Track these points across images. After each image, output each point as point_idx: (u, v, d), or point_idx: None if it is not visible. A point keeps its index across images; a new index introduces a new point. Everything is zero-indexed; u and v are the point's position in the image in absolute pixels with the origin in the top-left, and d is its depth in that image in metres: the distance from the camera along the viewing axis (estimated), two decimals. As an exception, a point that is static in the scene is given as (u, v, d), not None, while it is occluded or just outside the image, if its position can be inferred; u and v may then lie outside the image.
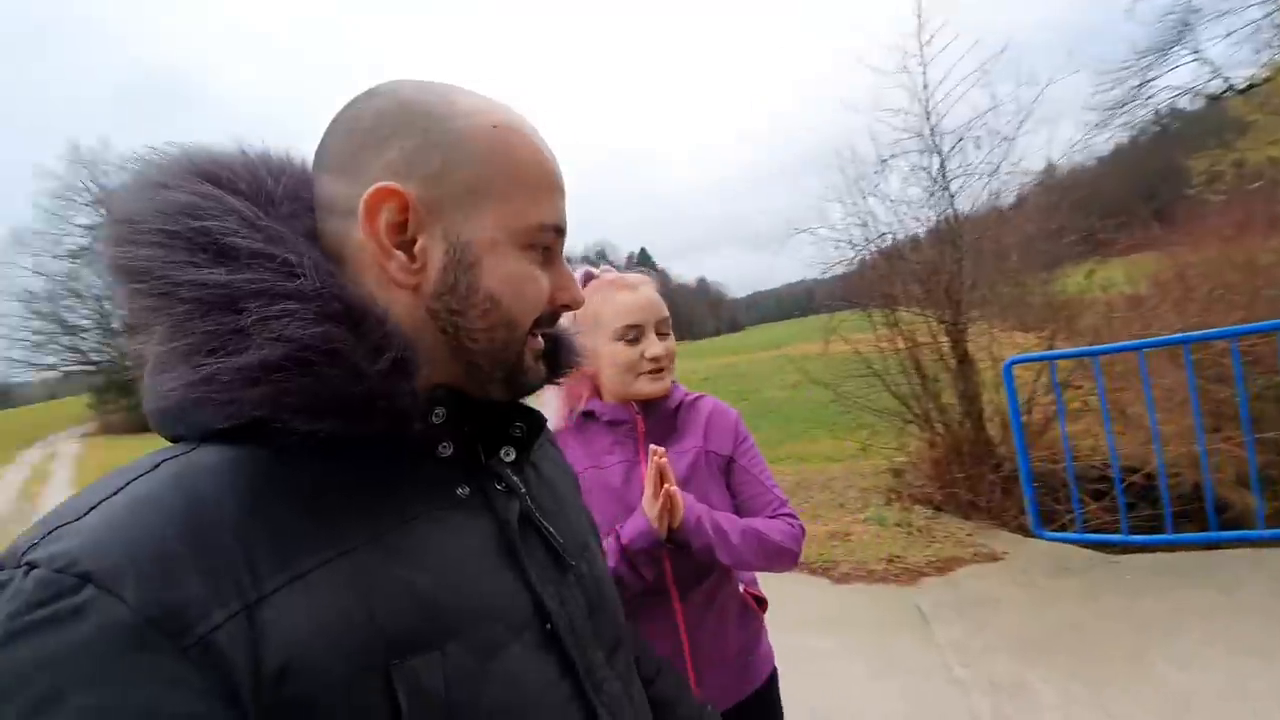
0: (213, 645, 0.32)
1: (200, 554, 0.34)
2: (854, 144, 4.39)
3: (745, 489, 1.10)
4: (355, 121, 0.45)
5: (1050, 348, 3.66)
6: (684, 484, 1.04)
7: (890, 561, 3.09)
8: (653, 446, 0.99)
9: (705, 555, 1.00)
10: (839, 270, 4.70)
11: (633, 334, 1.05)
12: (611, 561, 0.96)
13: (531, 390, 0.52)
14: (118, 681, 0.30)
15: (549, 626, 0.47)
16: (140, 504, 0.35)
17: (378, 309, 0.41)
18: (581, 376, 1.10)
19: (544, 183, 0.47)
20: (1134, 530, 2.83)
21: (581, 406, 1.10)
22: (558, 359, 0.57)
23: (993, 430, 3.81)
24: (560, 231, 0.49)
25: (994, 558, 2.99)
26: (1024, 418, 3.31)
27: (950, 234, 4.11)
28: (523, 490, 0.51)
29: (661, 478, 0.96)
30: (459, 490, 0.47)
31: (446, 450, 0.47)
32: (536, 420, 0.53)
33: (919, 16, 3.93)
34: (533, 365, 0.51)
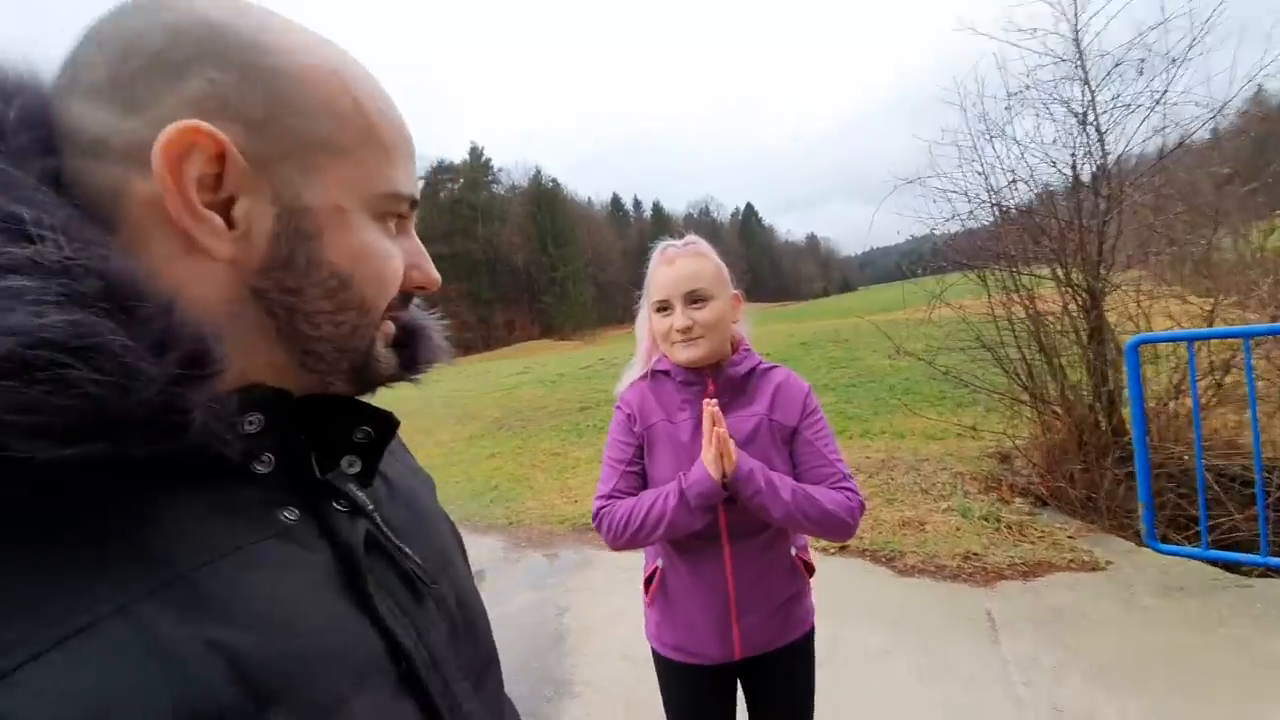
0: None
1: None
2: (982, 74, 3.70)
3: (807, 460, 1.16)
4: (136, 36, 0.34)
5: (1210, 322, 3.05)
6: (745, 447, 1.12)
7: (966, 558, 2.79)
8: (706, 399, 1.08)
9: (756, 508, 1.08)
10: (954, 226, 4.09)
11: (663, 305, 1.16)
12: (672, 501, 1.08)
13: (381, 383, 0.45)
14: None
15: (404, 666, 0.41)
16: None
17: (159, 288, 0.32)
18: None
19: (399, 145, 0.41)
20: (1278, 551, 2.33)
21: (657, 365, 1.22)
22: (414, 353, 0.49)
23: (1127, 417, 3.29)
24: (414, 203, 0.43)
25: (1094, 567, 2.60)
26: (1169, 405, 2.81)
27: (1095, 182, 3.43)
28: (370, 508, 0.43)
29: (714, 425, 1.05)
30: (283, 515, 0.39)
31: (265, 466, 0.38)
32: (388, 422, 0.45)
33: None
34: (384, 354, 0.44)
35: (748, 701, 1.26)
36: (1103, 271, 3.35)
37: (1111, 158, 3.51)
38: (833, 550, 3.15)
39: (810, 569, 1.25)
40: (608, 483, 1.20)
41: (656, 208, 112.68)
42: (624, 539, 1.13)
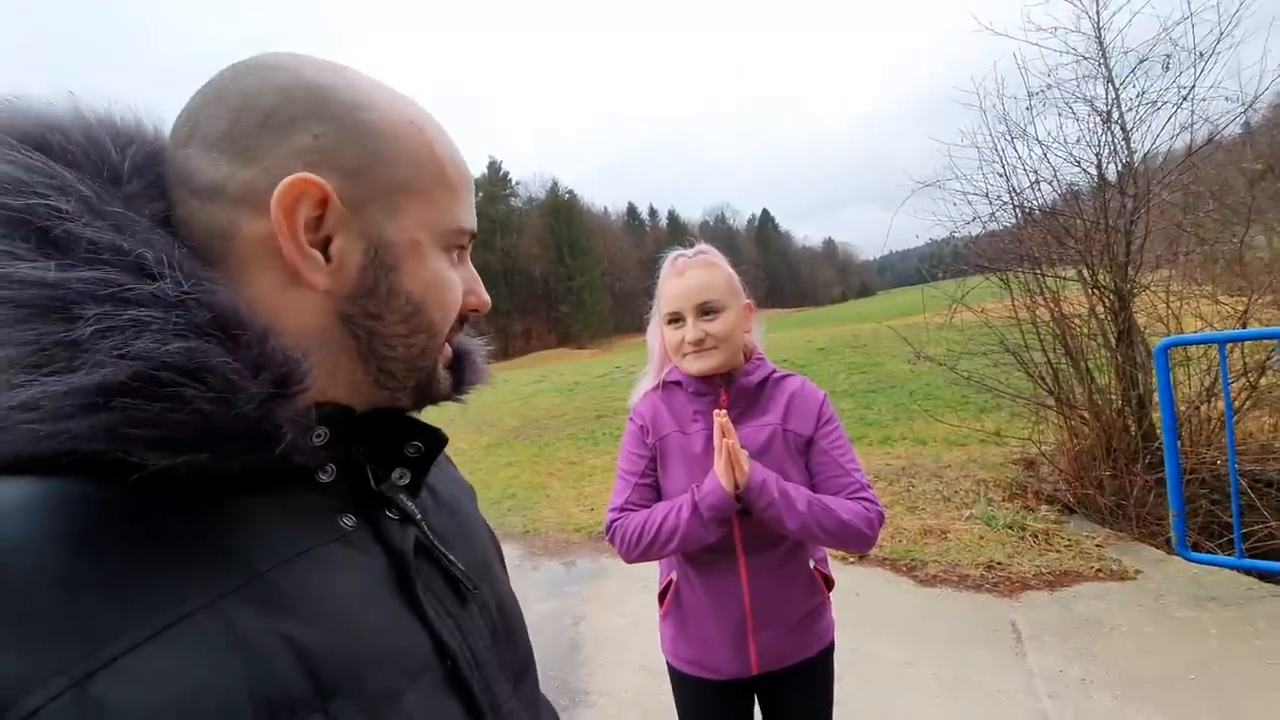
0: None
1: (11, 620, 0.28)
2: (1001, 74, 3.63)
3: (823, 470, 1.14)
4: (248, 97, 0.39)
5: (1244, 323, 2.96)
6: (759, 458, 1.11)
7: (990, 568, 2.71)
8: (716, 410, 1.07)
9: (770, 519, 1.05)
10: (975, 229, 4.01)
11: (674, 318, 1.15)
12: (685, 514, 1.06)
13: (437, 401, 0.49)
14: None
15: (450, 664, 0.43)
16: None
17: (258, 318, 0.36)
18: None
19: (464, 185, 0.46)
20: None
21: (668, 376, 1.21)
22: (462, 375, 0.52)
23: (1158, 421, 3.19)
24: (472, 235, 0.48)
25: (1122, 576, 2.51)
26: (1200, 409, 2.72)
27: (1121, 180, 3.34)
28: (418, 516, 0.46)
29: (724, 436, 1.03)
30: (343, 521, 0.42)
31: (328, 476, 0.42)
32: (437, 439, 0.48)
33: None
34: (443, 374, 0.48)
35: (764, 717, 1.24)
36: (1130, 272, 3.26)
37: (1138, 156, 3.43)
38: (852, 559, 3.10)
39: (830, 582, 1.22)
40: (621, 495, 1.18)
41: (672, 216, 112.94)
42: (637, 552, 1.12)
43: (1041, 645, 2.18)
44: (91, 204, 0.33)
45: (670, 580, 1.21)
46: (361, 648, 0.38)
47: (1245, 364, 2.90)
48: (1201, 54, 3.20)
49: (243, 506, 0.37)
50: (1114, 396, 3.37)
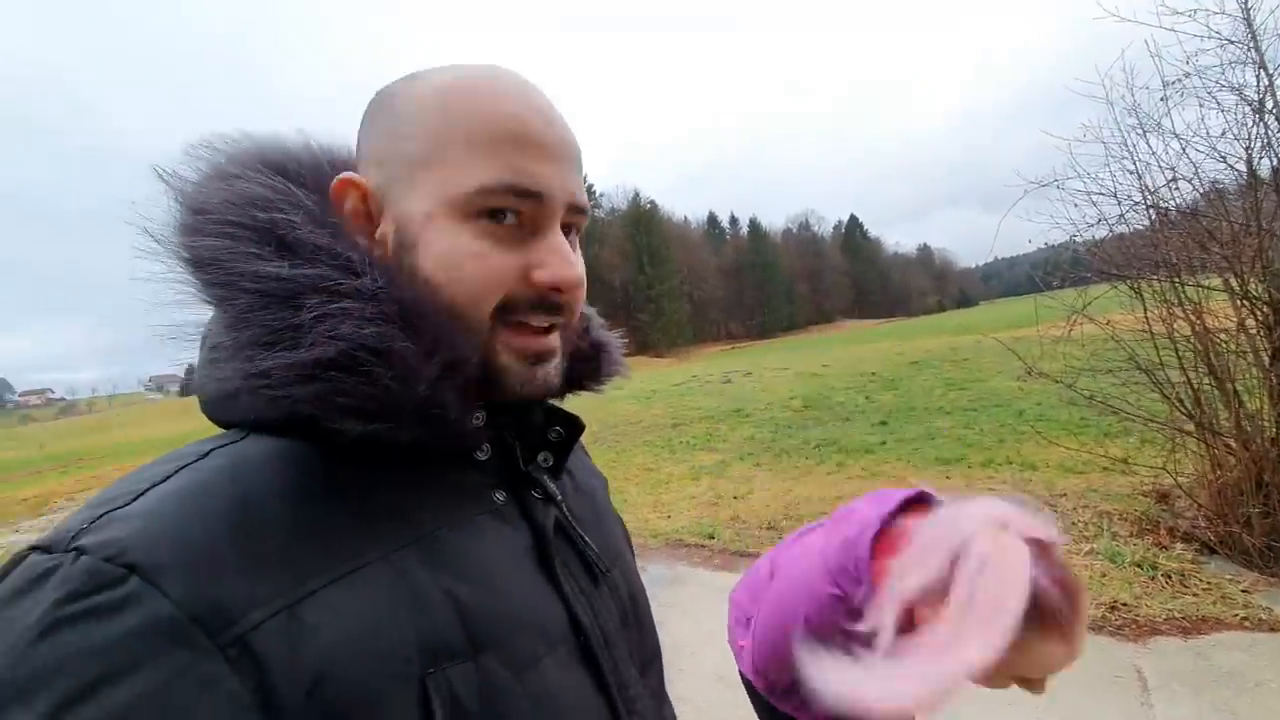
0: (250, 646, 0.31)
1: (244, 550, 0.33)
2: (1131, 63, 3.28)
3: None
4: (361, 121, 0.46)
5: None
6: None
7: (1113, 608, 2.45)
8: None
9: None
10: (1100, 232, 3.61)
11: None
12: None
13: (521, 396, 0.44)
14: (153, 678, 0.28)
15: (582, 640, 0.46)
16: (189, 494, 0.35)
17: (434, 308, 0.40)
18: None
19: (493, 139, 0.40)
20: None
21: None
22: (599, 367, 0.53)
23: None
24: (523, 193, 0.40)
25: (1273, 627, 2.19)
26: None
27: (1276, 178, 2.93)
28: (559, 498, 0.49)
29: None
30: (495, 496, 0.46)
31: (484, 454, 0.46)
32: (576, 425, 0.51)
33: None
34: (514, 365, 0.43)
35: None
36: (1291, 282, 2.86)
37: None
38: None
39: None
40: None
41: (753, 224, 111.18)
42: None
43: (1172, 697, 1.95)
44: (315, 216, 0.40)
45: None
46: (508, 610, 0.41)
47: None
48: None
49: (415, 476, 0.41)
50: (1266, 424, 2.96)
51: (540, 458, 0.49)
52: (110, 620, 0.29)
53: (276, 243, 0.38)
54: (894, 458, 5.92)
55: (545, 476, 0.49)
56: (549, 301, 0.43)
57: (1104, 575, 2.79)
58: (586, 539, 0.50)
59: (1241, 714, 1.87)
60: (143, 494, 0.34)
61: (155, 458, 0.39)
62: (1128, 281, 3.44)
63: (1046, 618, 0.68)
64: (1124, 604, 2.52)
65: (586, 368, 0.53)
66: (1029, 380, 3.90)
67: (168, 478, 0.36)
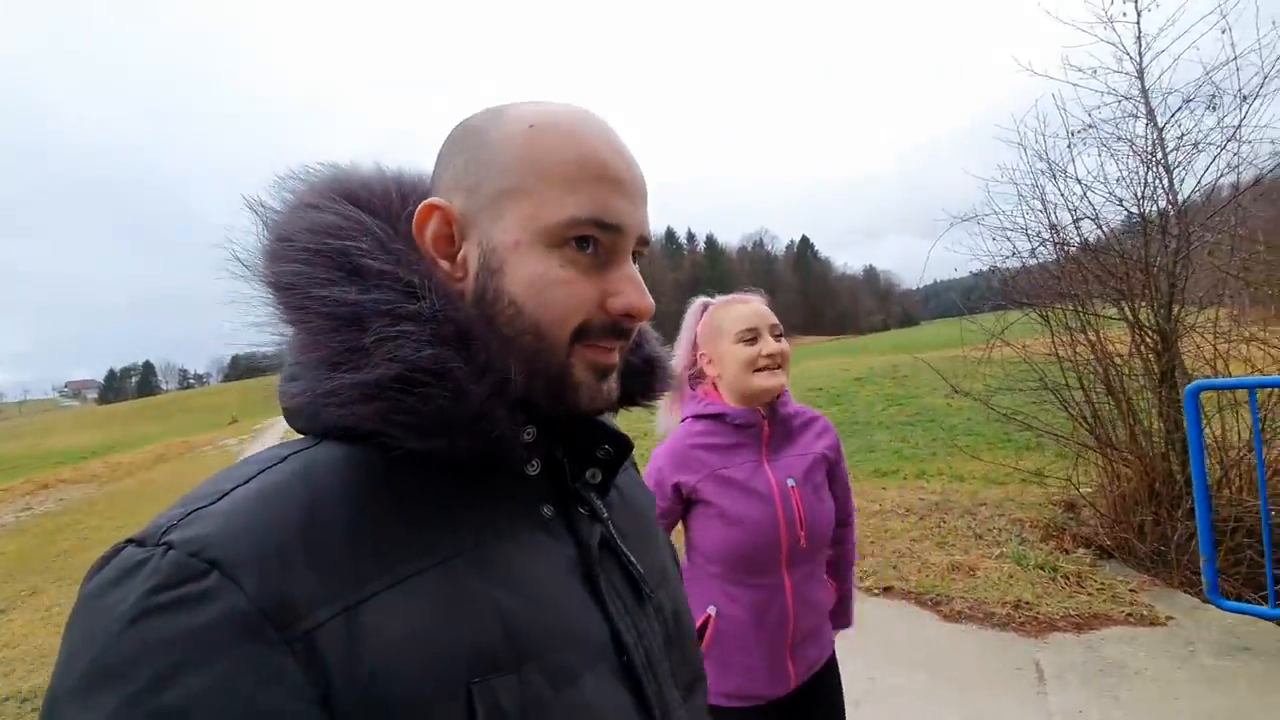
0: (314, 642, 0.32)
1: (314, 550, 0.35)
2: (1043, 112, 3.64)
3: (839, 493, 1.32)
4: (441, 149, 0.48)
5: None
6: (803, 480, 1.22)
7: (1017, 607, 2.67)
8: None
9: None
10: (1015, 264, 3.99)
11: (750, 335, 1.21)
12: None
13: (587, 410, 0.47)
14: (227, 669, 0.30)
15: (624, 659, 0.46)
16: (268, 496, 0.36)
17: (484, 332, 0.42)
18: (703, 383, 1.29)
19: (580, 176, 0.43)
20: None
21: (703, 410, 1.24)
22: (651, 382, 0.55)
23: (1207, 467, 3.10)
24: (604, 226, 0.44)
25: (1153, 622, 2.44)
26: (1245, 455, 2.66)
27: (1163, 220, 3.30)
28: (605, 515, 0.50)
29: None
30: (544, 510, 0.46)
31: (534, 469, 0.46)
32: (625, 443, 0.51)
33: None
34: (587, 380, 0.46)
35: None
36: (1175, 311, 3.22)
37: (1182, 195, 3.40)
38: (877, 591, 3.11)
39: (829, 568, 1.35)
40: None
41: (710, 240, 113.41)
42: None
43: (1064, 686, 2.15)
44: (382, 242, 0.42)
45: (707, 617, 1.18)
46: (552, 624, 0.42)
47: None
48: (1245, 97, 3.19)
49: (468, 488, 0.43)
50: (1157, 439, 3.30)
51: (589, 474, 0.50)
52: (192, 611, 0.31)
53: (348, 268, 0.40)
54: (836, 470, 6.18)
55: (592, 493, 0.50)
56: (620, 327, 0.46)
57: (1011, 576, 3.03)
58: (632, 557, 0.50)
59: (1122, 699, 2.07)
60: (227, 494, 0.36)
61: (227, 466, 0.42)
62: (1037, 310, 3.79)
63: None
64: (1027, 603, 2.75)
65: (638, 383, 0.54)
66: (953, 397, 4.21)
67: (249, 479, 0.38)
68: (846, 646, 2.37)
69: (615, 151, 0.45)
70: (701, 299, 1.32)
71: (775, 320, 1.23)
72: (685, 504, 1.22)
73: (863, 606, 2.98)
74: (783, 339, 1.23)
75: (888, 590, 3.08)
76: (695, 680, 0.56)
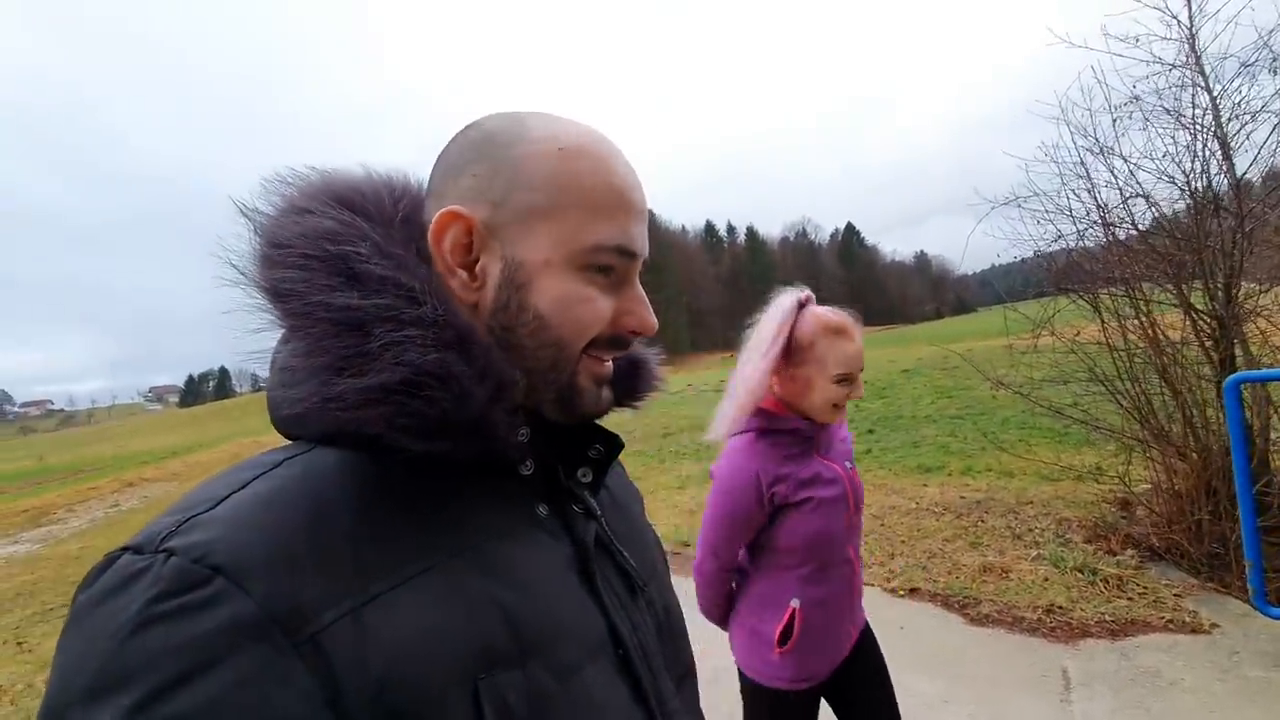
0: (321, 645, 0.33)
1: (318, 554, 0.35)
2: (1087, 85, 3.38)
3: None
4: (446, 154, 0.48)
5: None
6: (851, 460, 1.33)
7: (1049, 611, 2.55)
8: None
9: None
10: (1062, 247, 3.73)
11: (847, 378, 1.21)
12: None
13: (590, 415, 0.50)
14: (235, 674, 0.30)
15: (621, 652, 0.47)
16: (267, 500, 0.36)
17: (482, 334, 0.43)
18: (767, 395, 1.26)
19: (606, 204, 0.46)
20: None
21: (776, 425, 1.25)
22: (636, 384, 0.57)
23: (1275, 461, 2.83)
24: (625, 253, 0.47)
25: (1196, 630, 2.28)
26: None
27: (1218, 197, 3.05)
28: (599, 513, 0.51)
29: None
30: (539, 509, 0.48)
31: (528, 469, 0.48)
32: (615, 443, 0.53)
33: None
34: (590, 388, 0.48)
35: (837, 698, 1.31)
36: (1235, 294, 2.97)
37: (1240, 170, 3.15)
38: (903, 592, 3.04)
39: None
40: (728, 549, 1.24)
41: (751, 232, 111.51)
42: (716, 618, 1.33)
43: (1091, 694, 2.04)
44: (380, 247, 0.42)
45: (791, 611, 1.21)
46: (553, 619, 0.43)
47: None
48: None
49: (465, 488, 0.44)
50: (1215, 433, 3.07)
51: (580, 473, 0.51)
52: (198, 618, 0.31)
53: (347, 274, 0.40)
54: (877, 465, 6.02)
55: (585, 492, 0.51)
56: (625, 341, 0.49)
57: (1046, 579, 2.89)
58: (625, 553, 0.52)
59: (1154, 711, 1.96)
60: (224, 499, 0.36)
61: (231, 465, 0.42)
62: (1084, 296, 3.56)
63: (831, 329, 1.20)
64: (1060, 607, 2.62)
65: (624, 386, 0.56)
66: (997, 390, 4.03)
67: (245, 485, 0.38)
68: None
69: (634, 180, 0.48)
70: (794, 293, 1.26)
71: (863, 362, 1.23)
72: (771, 514, 1.22)
73: (886, 608, 2.98)
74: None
75: (914, 592, 3.00)
76: (686, 673, 0.57)
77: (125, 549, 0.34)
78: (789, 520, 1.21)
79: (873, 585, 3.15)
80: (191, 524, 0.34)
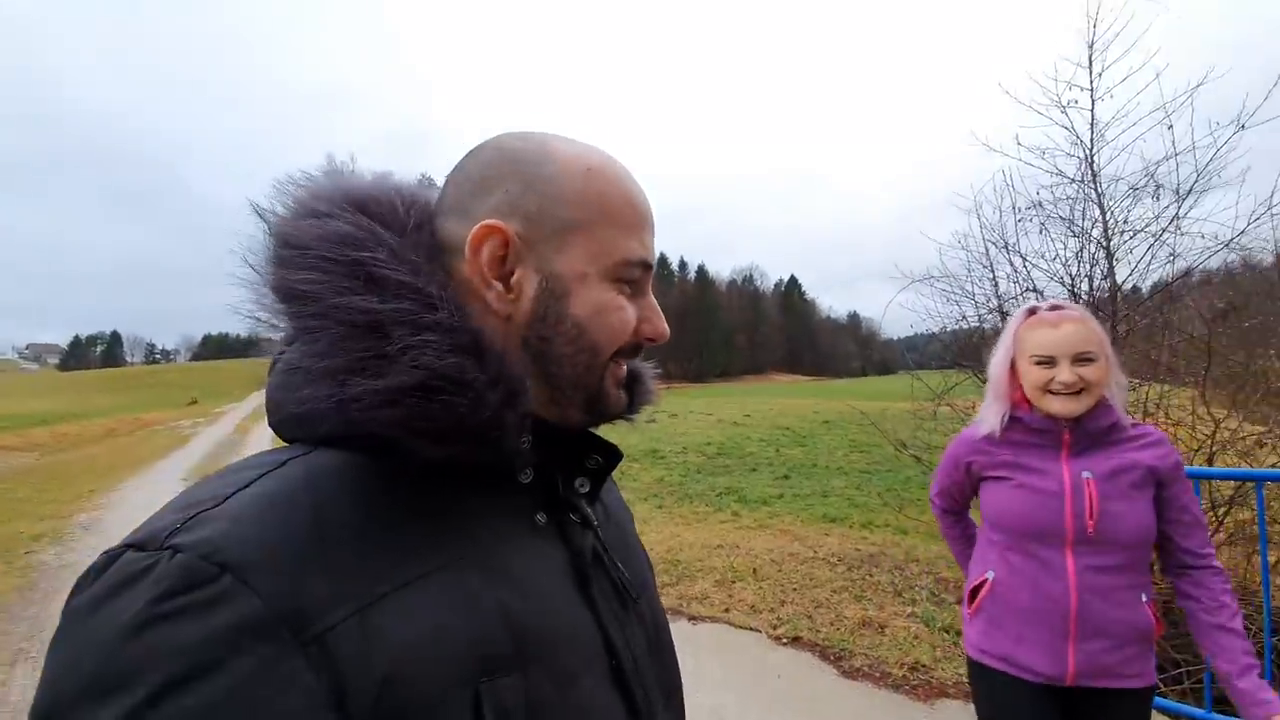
0: (327, 645, 0.33)
1: (324, 553, 0.35)
2: (1000, 186, 3.78)
3: (1174, 514, 1.24)
4: (466, 172, 0.49)
5: (1210, 460, 2.98)
6: (1104, 483, 1.22)
7: (914, 669, 2.66)
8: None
9: None
10: (963, 326, 4.09)
11: (1045, 360, 1.24)
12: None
13: (610, 418, 0.52)
14: (242, 674, 0.30)
15: (615, 663, 0.48)
16: (273, 499, 0.37)
17: (496, 341, 0.44)
18: (1018, 388, 1.32)
19: (631, 220, 0.49)
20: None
21: (1010, 414, 1.31)
22: (633, 396, 0.57)
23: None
24: (647, 266, 0.50)
25: None
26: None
27: (1097, 301, 3.41)
28: (595, 523, 0.52)
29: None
30: (537, 517, 0.48)
31: (527, 477, 0.48)
32: (614, 453, 0.54)
33: (1090, 44, 3.34)
34: (614, 393, 0.51)
35: None
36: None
37: (1120, 278, 3.52)
38: (785, 640, 3.09)
39: (1159, 623, 1.26)
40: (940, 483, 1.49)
41: (701, 270, 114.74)
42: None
43: (939, 755, 2.14)
44: (397, 252, 0.43)
45: (985, 579, 1.31)
46: (553, 626, 0.43)
47: (1213, 499, 2.90)
48: (1180, 194, 3.34)
49: (466, 493, 0.44)
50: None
51: (578, 483, 0.52)
52: (205, 616, 0.31)
53: (365, 278, 0.41)
54: (787, 512, 6.20)
55: (582, 501, 0.52)
56: (641, 347, 0.52)
57: (916, 637, 3.03)
58: (619, 565, 0.52)
59: None
60: (229, 497, 0.36)
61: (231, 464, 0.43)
62: (979, 374, 3.88)
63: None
64: (923, 665, 2.74)
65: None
66: (902, 451, 4.27)
67: (249, 484, 0.38)
68: (731, 691, 2.34)
69: (646, 198, 0.51)
70: (1030, 304, 1.36)
71: (1085, 347, 1.22)
72: (976, 481, 1.38)
73: (769, 654, 3.04)
74: (1091, 364, 1.22)
75: (796, 640, 3.06)
76: (674, 689, 0.57)
77: (127, 546, 0.34)
78: (990, 492, 1.33)
79: (759, 631, 3.21)
80: (198, 520, 0.34)
